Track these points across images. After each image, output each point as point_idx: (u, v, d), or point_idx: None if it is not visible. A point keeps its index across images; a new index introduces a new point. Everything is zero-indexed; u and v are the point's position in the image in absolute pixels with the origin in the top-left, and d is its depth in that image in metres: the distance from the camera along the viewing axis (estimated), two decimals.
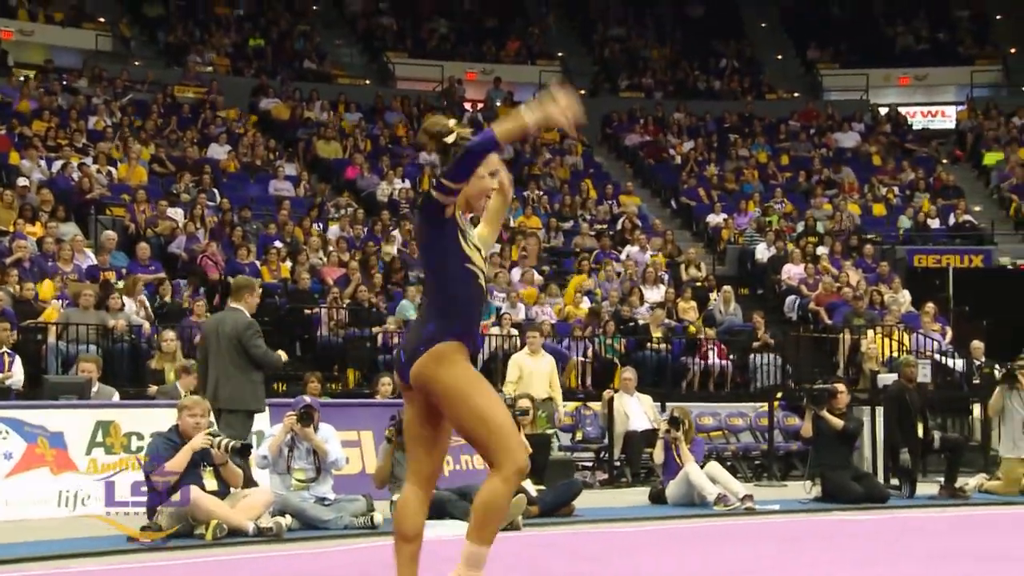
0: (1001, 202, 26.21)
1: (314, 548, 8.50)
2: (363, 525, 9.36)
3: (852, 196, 25.60)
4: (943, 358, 17.45)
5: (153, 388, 13.10)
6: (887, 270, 21.36)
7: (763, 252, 22.31)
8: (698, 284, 20.69)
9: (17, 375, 12.70)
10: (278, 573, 7.27)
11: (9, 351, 12.92)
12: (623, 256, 21.35)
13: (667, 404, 14.51)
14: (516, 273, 19.33)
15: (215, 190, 20.74)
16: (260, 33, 30.05)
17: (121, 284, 15.81)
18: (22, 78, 24.08)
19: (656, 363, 17.49)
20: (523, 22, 33.63)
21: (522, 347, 15.28)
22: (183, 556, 7.86)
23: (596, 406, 14.96)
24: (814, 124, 29.30)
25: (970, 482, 13.03)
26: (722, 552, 8.47)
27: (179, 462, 8.72)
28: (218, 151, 22.83)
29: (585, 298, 19.05)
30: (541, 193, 24.08)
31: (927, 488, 12.91)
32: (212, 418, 9.26)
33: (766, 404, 15.52)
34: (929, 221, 24.34)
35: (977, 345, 17.40)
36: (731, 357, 18.09)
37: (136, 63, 27.67)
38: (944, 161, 28.20)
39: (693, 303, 19.42)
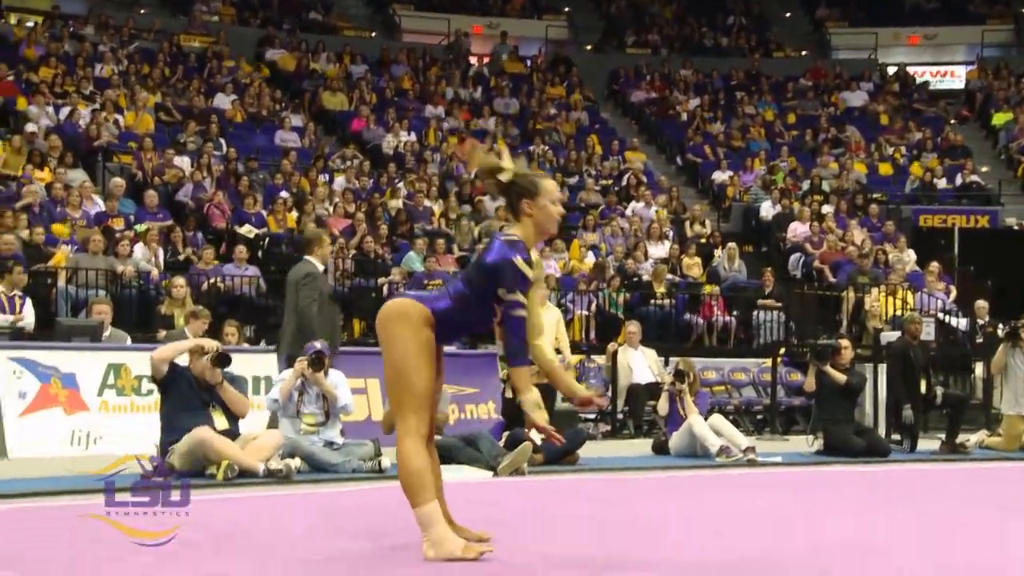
0: (1009, 163, 26.20)
1: (323, 489, 8.62)
2: (371, 469, 9.47)
3: (858, 155, 25.59)
4: (947, 317, 17.52)
5: (162, 333, 13.20)
6: (892, 229, 21.40)
7: (768, 210, 22.34)
8: (702, 240, 20.75)
9: (28, 317, 12.80)
10: (288, 512, 7.38)
11: (21, 294, 13.01)
12: (628, 212, 21.38)
13: (671, 358, 14.59)
14: None
15: (221, 140, 20.76)
16: None
17: (131, 233, 15.87)
18: (28, 24, 24.03)
19: (660, 318, 17.57)
20: None
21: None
22: (195, 494, 7.93)
23: (600, 359, 15.06)
24: (822, 83, 29.22)
25: (971, 438, 13.16)
26: (723, 498, 8.59)
27: (179, 346, 8.99)
28: (224, 101, 22.83)
29: (590, 253, 19.11)
30: (546, 148, 24.08)
31: (928, 444, 13.03)
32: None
33: (769, 359, 15.61)
34: (936, 181, 24.33)
35: (981, 305, 17.46)
36: (735, 313, 18.16)
37: (142, 11, 27.58)
38: (952, 121, 28.15)
39: (697, 259, 19.49)
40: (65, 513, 7.05)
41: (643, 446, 12.64)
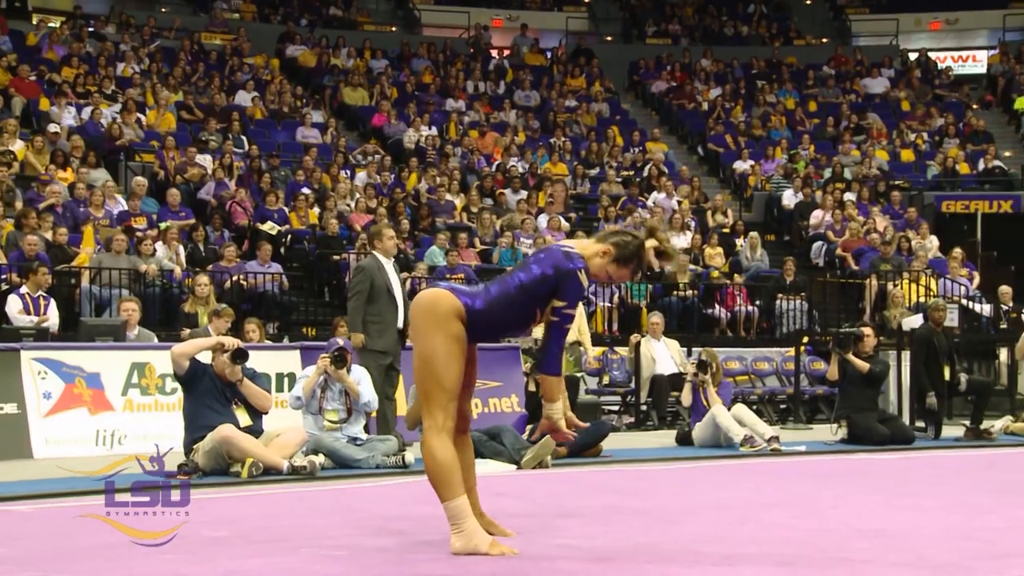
0: None
1: (347, 485, 8.65)
2: (395, 464, 9.49)
3: (880, 142, 25.48)
4: (970, 303, 17.44)
5: (186, 331, 13.26)
6: (915, 216, 21.31)
7: (790, 198, 22.29)
8: (725, 230, 20.71)
9: (53, 318, 12.89)
10: (313, 508, 7.42)
11: (45, 294, 13.11)
12: (649, 202, 21.37)
13: (693, 349, 14.58)
14: (543, 220, 19.41)
15: (243, 137, 20.86)
16: None
17: (154, 232, 15.96)
18: (51, 24, 24.17)
19: (682, 309, 17.56)
20: None
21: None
22: (220, 492, 8.03)
23: (623, 351, 15.06)
24: (843, 70, 29.10)
25: (996, 424, 13.11)
26: (748, 487, 8.58)
27: (200, 343, 9.11)
28: (245, 98, 22.91)
29: None
30: (567, 140, 24.09)
31: (953, 430, 12.99)
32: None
33: (792, 349, 15.58)
34: (958, 167, 24.21)
35: (1005, 290, 17.40)
36: (757, 302, 18.13)
37: (163, 10, 27.73)
38: (974, 106, 27.99)
39: (720, 249, 19.46)
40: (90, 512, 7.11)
41: (667, 437, 12.64)
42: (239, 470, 8.68)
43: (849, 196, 21.98)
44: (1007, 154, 25.56)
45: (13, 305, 12.83)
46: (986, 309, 17.48)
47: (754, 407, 13.94)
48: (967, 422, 13.06)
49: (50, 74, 21.26)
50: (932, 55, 30.69)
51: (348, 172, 20.47)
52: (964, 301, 17.16)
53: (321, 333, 14.79)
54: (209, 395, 9.03)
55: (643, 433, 13.75)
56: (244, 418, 9.17)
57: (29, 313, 12.78)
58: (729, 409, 11.76)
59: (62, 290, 14.15)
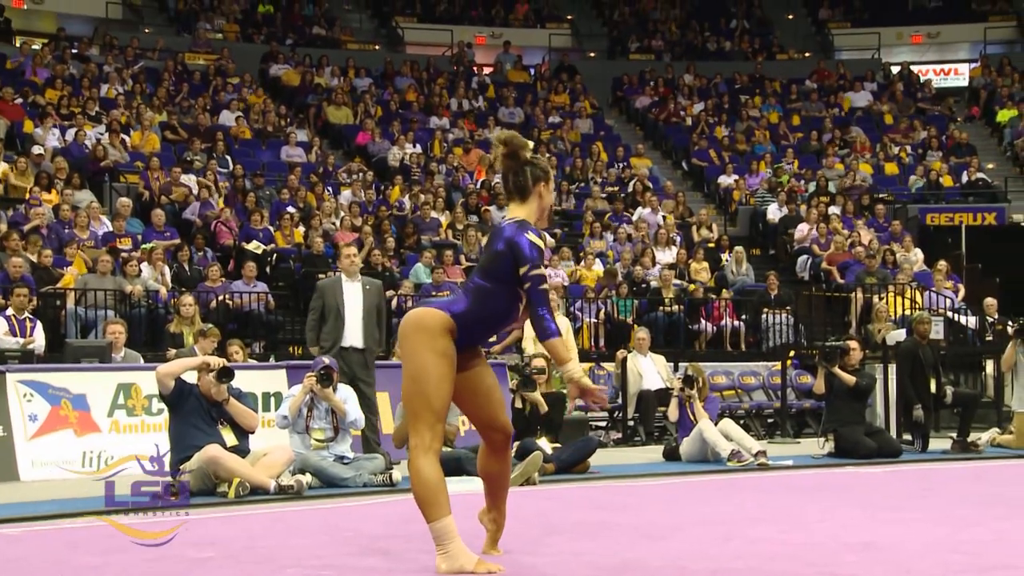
0: (1014, 159, 26.20)
1: (334, 504, 8.64)
2: (382, 483, 9.49)
3: (864, 155, 25.58)
4: (956, 315, 17.49)
5: (172, 352, 13.23)
6: (899, 229, 21.38)
7: (775, 212, 22.36)
8: (710, 245, 20.76)
9: (39, 340, 12.85)
10: (300, 528, 7.40)
11: (31, 316, 13.07)
12: (634, 218, 21.40)
13: (680, 364, 14.60)
14: None
15: (227, 157, 20.86)
16: None
17: (138, 252, 15.95)
18: (35, 47, 24.16)
19: (668, 324, 17.58)
20: None
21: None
22: (206, 512, 8.00)
23: (610, 366, 15.07)
24: (826, 84, 29.23)
25: (982, 437, 13.14)
26: (735, 502, 8.60)
27: (185, 363, 9.11)
28: (229, 118, 22.91)
29: (598, 260, 19.13)
30: (551, 156, 24.12)
31: (940, 443, 13.02)
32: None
33: (779, 363, 15.60)
34: (941, 179, 24.32)
35: (990, 302, 17.45)
36: (743, 317, 18.17)
37: (146, 31, 27.72)
38: (958, 119, 28.13)
39: (705, 264, 19.50)
40: (71, 535, 7.08)
41: (654, 452, 12.65)
42: (226, 490, 8.67)
43: (834, 210, 22.05)
44: (990, 166, 25.68)
45: None
46: (971, 321, 17.54)
47: (741, 422, 13.97)
48: (954, 435, 13.09)
49: (34, 96, 21.24)
50: (914, 68, 30.84)
51: (332, 190, 20.48)
52: (949, 314, 17.21)
53: (307, 352, 14.74)
54: (195, 415, 9.02)
55: (630, 449, 13.75)
56: (230, 438, 9.14)
57: (15, 335, 12.74)
58: (716, 424, 11.77)
59: (48, 311, 14.11)
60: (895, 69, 30.44)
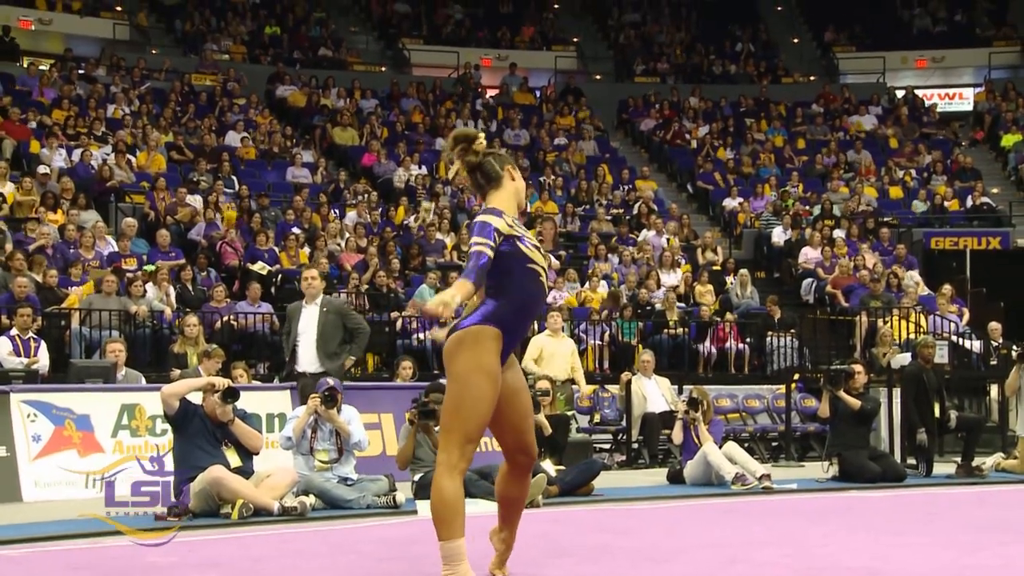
0: (1019, 184, 26.21)
1: (338, 526, 8.62)
2: (385, 504, 9.47)
3: (869, 179, 25.60)
4: (960, 339, 17.47)
5: (176, 372, 13.25)
6: (904, 253, 21.38)
7: (779, 236, 22.36)
8: (715, 268, 20.76)
9: (43, 360, 12.86)
10: (303, 549, 7.39)
11: (35, 336, 13.09)
12: (639, 240, 21.41)
13: (684, 386, 14.58)
14: None
15: (233, 177, 20.91)
16: (276, 21, 30.20)
17: (148, 267, 15.99)
18: (42, 67, 24.26)
19: (673, 347, 17.57)
20: (538, 8, 33.66)
21: (542, 330, 15.40)
22: (210, 533, 8.00)
23: (614, 389, 15.06)
24: (831, 107, 29.28)
25: (987, 461, 13.10)
26: (739, 525, 8.57)
27: (191, 383, 9.17)
28: (235, 138, 22.97)
29: (603, 282, 19.14)
30: (557, 178, 24.16)
31: (944, 467, 12.98)
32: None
33: (783, 386, 15.58)
34: (946, 203, 24.33)
35: (994, 326, 17.43)
36: (748, 340, 18.15)
37: (153, 51, 27.82)
38: (962, 143, 28.16)
39: (710, 287, 19.50)
40: (74, 557, 7.07)
41: (658, 475, 12.62)
42: (229, 511, 8.66)
43: (838, 233, 22.05)
44: (995, 191, 25.69)
45: (3, 347, 12.80)
46: (976, 346, 17.51)
47: (745, 445, 13.93)
48: (958, 459, 13.05)
49: (41, 116, 21.32)
50: (919, 92, 30.89)
51: (338, 211, 20.51)
52: (954, 338, 17.20)
53: None
54: (199, 436, 9.02)
55: (634, 471, 13.72)
56: (234, 459, 9.14)
57: (19, 355, 12.75)
58: (720, 447, 11.75)
59: (52, 332, 14.12)
60: (900, 93, 30.48)
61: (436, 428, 10.19)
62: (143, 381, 12.01)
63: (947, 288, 18.81)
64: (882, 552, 6.99)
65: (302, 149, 23.47)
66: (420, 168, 23.20)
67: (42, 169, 18.66)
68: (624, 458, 14.37)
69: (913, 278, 20.20)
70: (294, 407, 10.68)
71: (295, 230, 18.94)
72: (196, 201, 19.28)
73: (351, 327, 11.35)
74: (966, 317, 18.76)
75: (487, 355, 5.32)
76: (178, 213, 18.71)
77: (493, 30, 32.08)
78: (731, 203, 24.25)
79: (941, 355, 14.02)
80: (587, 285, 18.96)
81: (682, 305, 18.58)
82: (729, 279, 20.22)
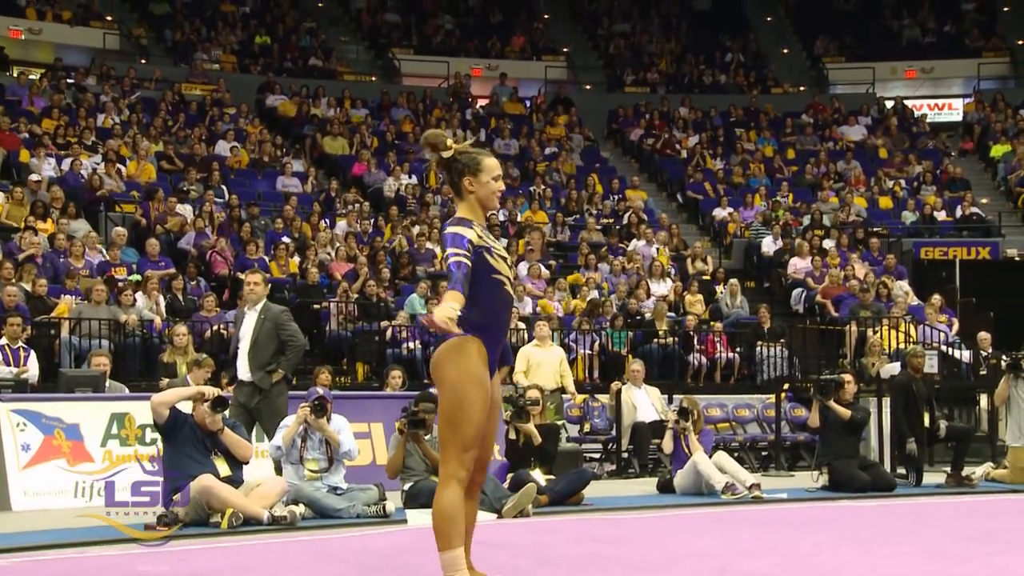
0: (1008, 194, 26.27)
1: (327, 535, 8.61)
2: (375, 514, 9.46)
3: (859, 189, 25.66)
4: (950, 349, 17.50)
5: (164, 381, 13.22)
6: (893, 263, 21.42)
7: (769, 245, 22.40)
8: (704, 278, 20.79)
9: (32, 369, 12.85)
10: (293, 559, 7.38)
11: (24, 346, 13.07)
12: (629, 250, 21.43)
13: (674, 396, 14.59)
14: (523, 267, 19.44)
15: (223, 187, 20.90)
16: (266, 30, 30.22)
17: (133, 278, 15.97)
18: (32, 76, 24.24)
19: (662, 356, 17.59)
20: (528, 18, 33.73)
21: (530, 340, 15.40)
22: (199, 543, 7.98)
23: (604, 398, 15.07)
24: (820, 118, 29.36)
25: (977, 471, 13.12)
26: (730, 535, 8.58)
27: (180, 392, 9.11)
28: (225, 148, 22.97)
29: (594, 292, 19.15)
30: (547, 188, 24.19)
31: (934, 477, 13.00)
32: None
33: (773, 395, 15.60)
34: (936, 213, 24.40)
35: (984, 336, 17.46)
36: (738, 349, 18.17)
37: (143, 61, 27.81)
38: (952, 154, 28.25)
39: (699, 296, 19.52)
40: (63, 567, 7.05)
41: (648, 485, 12.62)
42: (219, 520, 8.65)
43: (828, 243, 22.09)
44: (984, 201, 25.77)
45: None
46: (965, 355, 17.54)
47: (735, 454, 13.95)
48: (948, 469, 13.07)
49: (31, 126, 21.29)
50: (908, 103, 30.98)
51: (328, 220, 20.51)
52: (943, 348, 17.22)
53: (302, 382, 14.72)
54: (189, 445, 9.02)
55: (624, 481, 13.73)
56: (224, 468, 9.13)
57: (9, 364, 12.74)
58: (710, 456, 11.76)
59: (41, 341, 14.11)
60: (889, 104, 30.58)
61: (426, 437, 10.21)
62: (126, 391, 11.98)
63: (936, 298, 18.86)
64: (871, 562, 7.00)
65: (292, 158, 23.46)
66: (410, 177, 23.21)
67: (32, 179, 18.64)
68: (614, 467, 14.37)
69: (903, 288, 20.24)
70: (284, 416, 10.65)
71: (285, 239, 18.93)
72: (186, 210, 19.26)
73: (284, 338, 10.65)
74: (955, 327, 18.80)
75: (474, 363, 5.35)
76: (168, 222, 18.69)
77: (483, 40, 32.13)
78: (721, 213, 24.30)
79: (931, 365, 14.04)
80: (577, 295, 18.98)
81: (672, 315, 18.60)
82: (719, 289, 20.24)
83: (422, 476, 10.20)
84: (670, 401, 14.50)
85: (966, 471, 12.92)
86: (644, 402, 14.54)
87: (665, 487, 11.98)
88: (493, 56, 31.61)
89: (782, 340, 18.04)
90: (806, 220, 23.62)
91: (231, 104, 25.26)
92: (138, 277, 16.32)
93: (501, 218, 21.99)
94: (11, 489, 10.13)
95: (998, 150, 27.54)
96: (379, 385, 14.64)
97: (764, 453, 15.56)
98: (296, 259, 18.46)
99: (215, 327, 15.53)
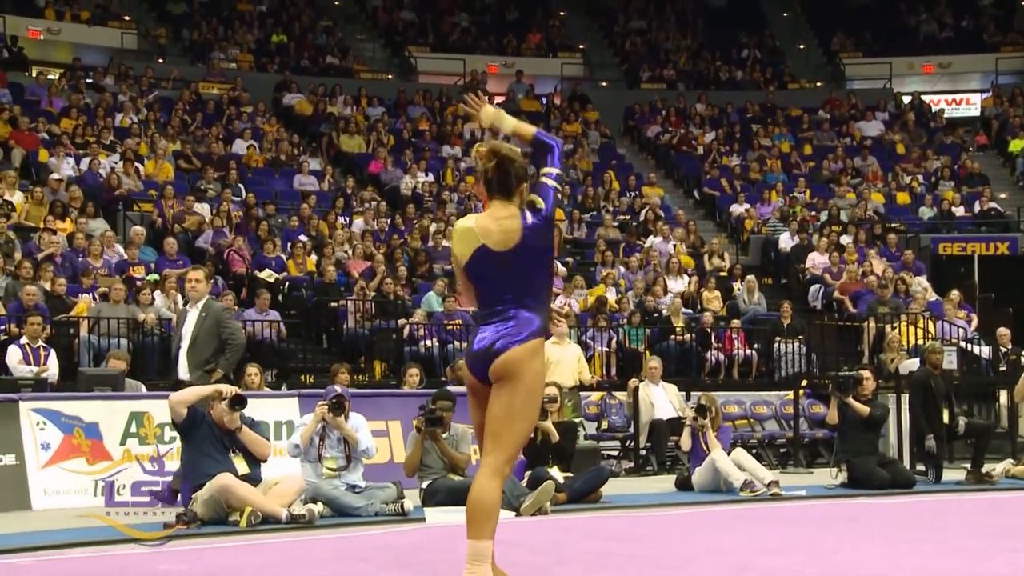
0: None
1: (346, 533, 8.62)
2: (393, 512, 9.46)
3: (876, 185, 25.58)
4: (969, 345, 17.42)
5: None
6: (911, 258, 21.34)
7: (787, 242, 22.35)
8: (722, 274, 20.75)
9: (52, 368, 12.89)
10: (312, 557, 7.39)
11: (45, 345, 13.12)
12: (646, 246, 21.41)
13: (692, 393, 14.57)
14: None
15: (240, 185, 20.95)
16: (283, 29, 30.28)
17: (151, 277, 16.01)
18: (50, 77, 24.35)
19: (680, 353, 17.57)
20: (544, 15, 33.70)
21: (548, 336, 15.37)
22: (218, 541, 8.00)
23: (621, 395, 15.04)
24: (837, 113, 29.27)
25: (996, 468, 13.04)
26: (748, 532, 8.55)
27: (199, 391, 9.11)
28: (242, 147, 23.01)
29: (612, 289, 19.14)
30: (564, 185, 24.14)
31: (953, 474, 12.94)
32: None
33: (791, 392, 15.55)
34: (954, 209, 24.30)
35: (1003, 332, 17.37)
36: (756, 346, 18.13)
37: (161, 61, 27.90)
38: (970, 149, 28.12)
39: (717, 293, 19.50)
40: (82, 566, 7.07)
41: (666, 482, 12.60)
42: (238, 519, 8.66)
43: (846, 239, 22.03)
44: (1003, 196, 25.66)
45: (13, 355, 12.84)
46: (985, 351, 17.45)
47: (754, 451, 13.90)
48: (968, 465, 13.00)
49: (49, 125, 21.37)
50: (926, 98, 30.87)
51: (346, 218, 20.54)
52: (962, 343, 17.14)
53: (319, 380, 14.78)
54: (207, 443, 9.04)
55: (642, 478, 13.70)
56: (242, 466, 9.15)
57: (29, 363, 12.79)
58: (729, 453, 11.73)
59: (61, 340, 14.16)
60: (907, 99, 30.47)
61: (444, 435, 10.22)
62: (143, 390, 12.03)
63: (955, 294, 18.78)
64: (895, 558, 6.97)
65: (309, 157, 23.50)
66: (427, 175, 23.23)
67: (54, 176, 18.71)
68: (632, 465, 14.35)
69: (921, 284, 20.17)
70: (302, 414, 10.68)
71: (302, 238, 18.96)
72: (203, 209, 19.31)
73: (223, 337, 10.51)
74: (975, 323, 18.72)
75: (545, 370, 5.50)
76: (185, 221, 18.74)
77: (499, 37, 32.13)
78: (738, 209, 24.25)
79: (949, 361, 13.95)
80: (586, 290, 18.99)
81: (688, 311, 18.57)
82: (736, 285, 20.21)
83: (440, 474, 10.21)
84: (688, 398, 14.47)
85: (986, 468, 12.84)
86: (662, 399, 14.51)
87: (683, 484, 11.95)
88: (509, 53, 31.60)
89: (800, 336, 17.99)
90: (823, 216, 23.56)
91: (248, 103, 25.31)
92: (156, 276, 16.36)
93: None
94: (31, 488, 10.17)
95: (1016, 145, 27.42)
96: (396, 383, 14.66)
97: (783, 450, 15.51)
98: (313, 257, 18.50)
99: None
